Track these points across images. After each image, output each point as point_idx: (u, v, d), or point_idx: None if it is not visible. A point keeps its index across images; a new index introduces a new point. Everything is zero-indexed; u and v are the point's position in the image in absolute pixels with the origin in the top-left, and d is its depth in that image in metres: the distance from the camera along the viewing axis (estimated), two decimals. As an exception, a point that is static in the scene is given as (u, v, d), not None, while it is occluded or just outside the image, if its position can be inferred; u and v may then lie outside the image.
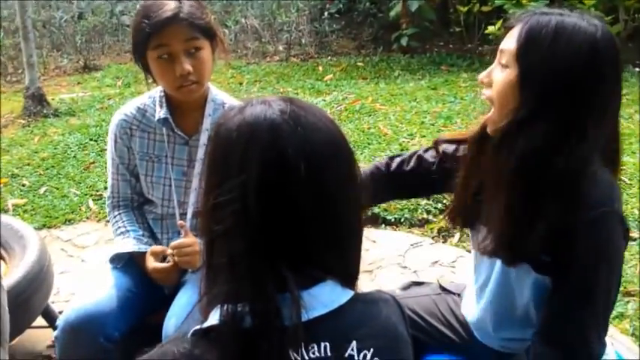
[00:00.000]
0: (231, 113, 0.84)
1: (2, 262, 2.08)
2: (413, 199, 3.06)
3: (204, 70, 1.59)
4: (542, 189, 1.14)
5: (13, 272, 2.01)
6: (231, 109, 0.86)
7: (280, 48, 6.32)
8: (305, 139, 0.81)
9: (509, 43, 1.18)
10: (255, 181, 0.78)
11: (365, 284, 2.73)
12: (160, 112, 1.67)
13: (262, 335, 0.76)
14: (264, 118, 0.81)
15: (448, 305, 1.52)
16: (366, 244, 3.09)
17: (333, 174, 0.83)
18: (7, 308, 1.78)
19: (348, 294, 0.85)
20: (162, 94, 1.70)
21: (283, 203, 0.79)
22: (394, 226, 3.04)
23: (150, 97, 1.73)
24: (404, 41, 5.67)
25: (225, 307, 0.78)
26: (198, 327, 0.80)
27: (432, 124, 4.06)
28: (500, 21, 4.40)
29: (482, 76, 1.25)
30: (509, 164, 1.15)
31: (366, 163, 3.57)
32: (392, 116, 4.26)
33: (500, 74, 1.20)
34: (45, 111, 4.84)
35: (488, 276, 1.33)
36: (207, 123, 1.68)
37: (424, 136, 3.88)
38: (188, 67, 1.54)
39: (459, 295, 1.52)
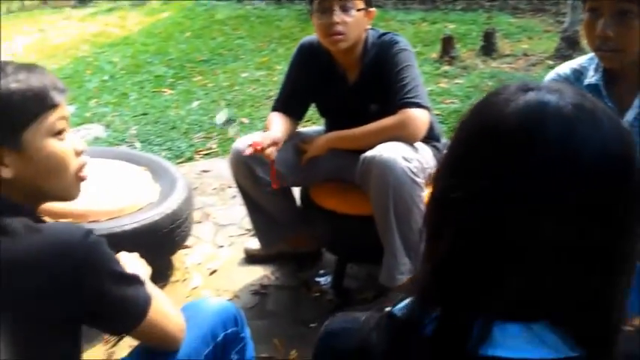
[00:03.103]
0: (504, 93, 0.66)
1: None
2: None
3: (633, 38, 1.29)
4: None
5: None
6: (503, 88, 0.68)
7: None
8: (601, 151, 0.61)
9: None
10: (517, 187, 0.61)
11: None
12: (592, 77, 1.45)
13: (436, 353, 0.66)
14: (556, 109, 0.62)
15: None
16: None
17: (617, 203, 0.62)
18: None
19: (566, 353, 0.63)
20: None
21: (541, 225, 0.61)
22: None
23: (590, 59, 1.51)
24: None
25: (413, 304, 0.69)
26: (390, 308, 0.73)
27: None
28: None
29: None
30: None
31: None
32: None
33: None
34: (574, 55, 4.74)
35: None
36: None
37: None
38: (609, 32, 1.28)
39: None
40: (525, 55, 5.15)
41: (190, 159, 3.67)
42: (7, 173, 1.02)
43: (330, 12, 2.00)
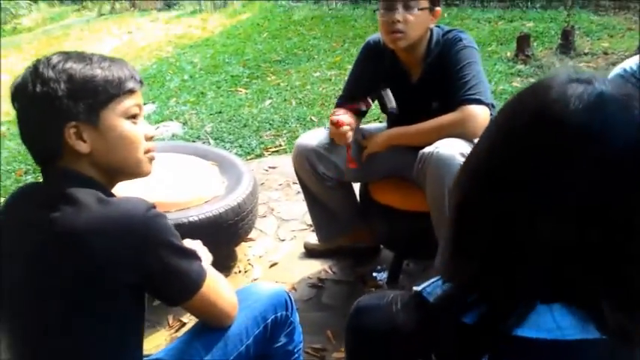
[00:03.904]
0: (555, 86, 0.66)
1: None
2: None
3: None
4: None
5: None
6: (551, 79, 0.67)
7: None
8: None
9: None
10: (582, 178, 0.62)
11: None
12: None
13: (472, 344, 0.66)
14: (615, 102, 0.63)
15: None
16: None
17: None
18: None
19: (582, 335, 0.64)
20: None
21: (598, 220, 0.63)
22: None
23: None
24: None
25: (449, 290, 0.70)
26: (420, 288, 0.73)
27: None
28: None
29: None
30: None
31: None
32: None
33: None
34: (661, 53, 4.50)
35: None
36: None
37: None
38: None
39: None
40: (605, 53, 4.94)
41: (259, 155, 3.78)
42: (84, 148, 1.15)
43: (393, 10, 2.02)
